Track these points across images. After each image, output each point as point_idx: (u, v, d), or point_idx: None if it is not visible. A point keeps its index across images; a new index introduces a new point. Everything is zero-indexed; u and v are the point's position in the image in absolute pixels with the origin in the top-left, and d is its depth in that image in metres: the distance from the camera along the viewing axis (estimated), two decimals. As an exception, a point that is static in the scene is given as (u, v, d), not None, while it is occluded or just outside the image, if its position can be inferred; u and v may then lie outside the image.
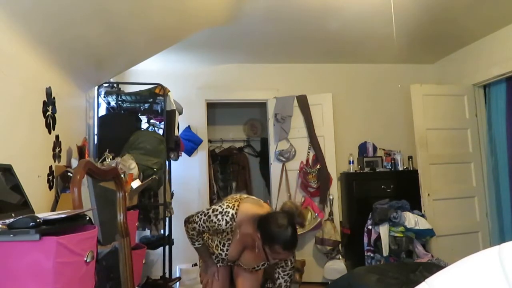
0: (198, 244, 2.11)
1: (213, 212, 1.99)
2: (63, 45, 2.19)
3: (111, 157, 2.61)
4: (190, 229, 2.05)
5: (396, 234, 3.71)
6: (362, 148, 4.66)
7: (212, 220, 1.97)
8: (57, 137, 2.28)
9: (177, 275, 4.08)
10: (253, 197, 2.20)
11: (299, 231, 4.23)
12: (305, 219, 1.99)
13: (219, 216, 1.95)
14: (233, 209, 1.96)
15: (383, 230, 3.71)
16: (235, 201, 2.03)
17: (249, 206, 2.01)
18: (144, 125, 3.58)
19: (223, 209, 1.97)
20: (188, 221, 2.08)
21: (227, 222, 1.94)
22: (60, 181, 2.27)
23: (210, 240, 2.13)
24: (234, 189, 5.88)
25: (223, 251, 2.06)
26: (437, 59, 4.78)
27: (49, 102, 2.14)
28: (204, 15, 3.00)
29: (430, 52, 4.54)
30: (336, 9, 3.23)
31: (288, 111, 4.50)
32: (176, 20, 2.79)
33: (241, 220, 1.97)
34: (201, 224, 2.00)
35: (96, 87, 3.26)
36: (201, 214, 2.02)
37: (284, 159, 4.46)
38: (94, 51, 2.52)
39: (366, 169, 4.44)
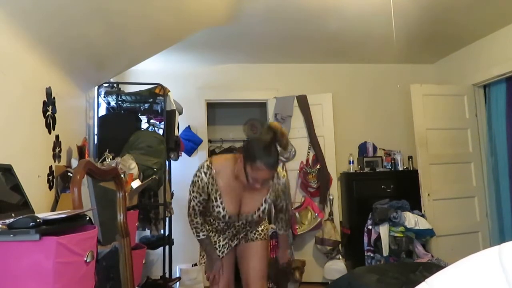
0: (203, 235, 2.10)
1: (193, 177, 2.05)
2: (63, 45, 2.19)
3: (111, 157, 2.62)
4: (191, 215, 2.08)
5: (396, 234, 3.71)
6: (362, 148, 4.66)
7: (195, 182, 2.01)
8: (57, 137, 2.28)
9: (177, 275, 4.08)
10: None
11: (300, 230, 4.25)
12: (287, 139, 2.00)
13: (197, 173, 2.01)
14: (206, 161, 2.05)
15: (383, 230, 3.71)
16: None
17: (220, 155, 2.18)
18: (144, 125, 3.58)
19: (198, 168, 2.04)
20: (188, 208, 2.11)
21: (205, 173, 1.98)
22: (60, 181, 2.27)
23: (210, 209, 2.08)
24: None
25: (220, 207, 2.02)
26: (437, 59, 4.78)
27: (49, 102, 2.14)
28: (204, 15, 3.00)
29: (430, 52, 4.53)
30: (336, 9, 3.23)
31: (288, 111, 4.50)
32: (176, 20, 2.79)
33: (218, 167, 2.01)
34: (194, 198, 2.03)
35: (96, 87, 3.26)
36: (189, 190, 2.07)
37: (284, 159, 4.46)
38: (94, 51, 2.53)
39: (366, 169, 4.44)
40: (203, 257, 2.27)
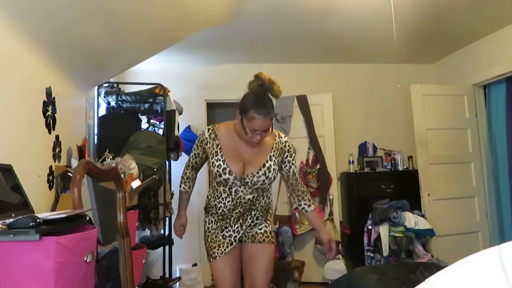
0: (183, 188, 2.20)
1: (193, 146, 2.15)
2: (63, 45, 2.19)
3: (111, 157, 2.61)
4: (185, 167, 2.20)
5: (396, 234, 3.71)
6: (362, 148, 4.66)
7: (198, 138, 2.10)
8: (57, 137, 2.28)
9: (177, 275, 4.08)
10: None
11: (300, 230, 4.23)
12: (277, 86, 2.10)
13: (203, 131, 2.10)
14: (209, 126, 2.13)
15: (383, 230, 3.71)
16: None
17: (224, 122, 2.15)
18: (144, 125, 3.58)
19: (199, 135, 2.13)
20: (186, 163, 2.22)
21: (208, 129, 2.07)
22: (60, 181, 2.26)
23: (210, 164, 2.06)
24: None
25: (221, 161, 1.98)
26: (437, 59, 4.78)
27: (49, 102, 2.14)
28: (204, 15, 3.00)
29: (430, 52, 4.54)
30: (336, 9, 3.23)
31: (288, 111, 4.50)
32: (176, 20, 2.79)
33: (221, 127, 2.09)
34: (193, 150, 2.13)
35: (96, 87, 3.26)
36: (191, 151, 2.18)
37: (284, 159, 4.46)
38: (94, 51, 2.53)
39: (366, 169, 4.44)
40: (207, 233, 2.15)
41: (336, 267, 4.10)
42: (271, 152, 2.04)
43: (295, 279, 3.61)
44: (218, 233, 2.08)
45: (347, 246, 4.34)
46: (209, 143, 2.05)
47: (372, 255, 3.80)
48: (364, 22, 3.52)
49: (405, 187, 4.20)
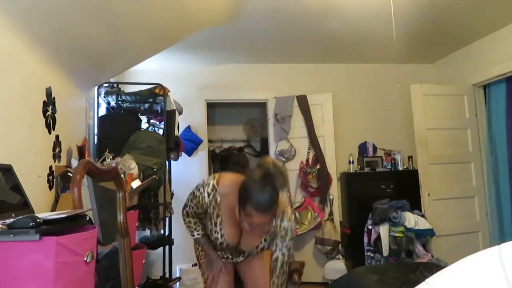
0: (198, 234, 1.96)
1: (196, 188, 1.89)
2: (63, 45, 2.19)
3: (111, 157, 2.61)
4: (185, 215, 1.97)
5: (396, 234, 3.71)
6: (362, 148, 4.66)
7: (196, 195, 1.87)
8: (57, 137, 2.28)
9: (177, 275, 4.08)
10: None
11: (300, 230, 4.23)
12: (286, 179, 1.71)
13: (201, 189, 1.85)
14: (213, 179, 1.86)
15: (383, 230, 3.71)
16: (214, 173, 1.94)
17: (230, 175, 1.90)
18: (144, 125, 3.58)
19: (204, 182, 1.88)
20: (183, 208, 2.00)
21: (209, 194, 1.83)
22: (60, 181, 2.27)
23: (207, 229, 1.98)
24: (234, 189, 5.87)
25: (219, 233, 1.89)
26: (437, 59, 4.78)
27: (49, 102, 2.14)
28: (204, 15, 3.00)
29: (430, 52, 4.54)
30: (336, 9, 3.23)
31: (288, 111, 4.50)
32: (176, 20, 2.79)
33: (224, 189, 1.84)
34: (191, 206, 1.91)
35: (96, 87, 3.26)
36: (189, 195, 1.94)
37: (284, 159, 4.46)
38: (94, 51, 2.52)
39: (366, 169, 4.44)
40: (201, 256, 2.13)
41: (336, 267, 4.10)
42: (266, 237, 1.94)
43: (295, 281, 3.61)
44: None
45: (347, 246, 4.34)
46: (210, 208, 1.87)
47: (372, 255, 3.80)
48: (364, 22, 3.52)
49: (405, 187, 4.20)
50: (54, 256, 1.02)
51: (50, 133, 2.18)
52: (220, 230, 1.88)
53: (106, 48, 2.60)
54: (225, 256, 2.03)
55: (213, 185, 1.84)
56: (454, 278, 0.78)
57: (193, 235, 1.98)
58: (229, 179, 1.87)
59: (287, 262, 1.95)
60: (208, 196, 1.84)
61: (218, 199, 1.84)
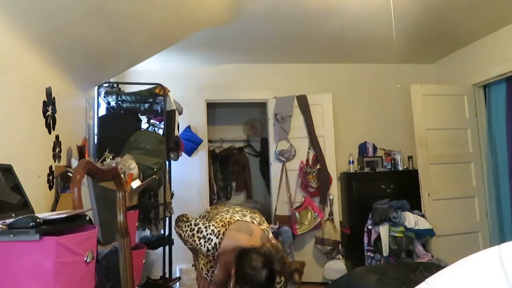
0: (190, 245, 1.98)
1: (197, 232, 1.87)
2: (63, 45, 2.19)
3: (111, 157, 2.61)
4: (178, 233, 1.97)
5: (396, 234, 3.71)
6: (362, 148, 4.66)
7: (195, 240, 1.86)
8: (57, 137, 2.28)
9: (177, 275, 4.08)
10: (247, 218, 2.00)
11: (300, 230, 4.21)
12: (286, 265, 1.73)
13: (202, 241, 1.84)
14: (217, 237, 1.84)
15: (383, 230, 3.72)
16: (222, 225, 1.88)
17: (235, 234, 1.84)
18: (144, 125, 3.58)
19: (207, 234, 1.85)
20: (177, 221, 1.98)
21: (208, 250, 1.84)
22: (60, 181, 2.26)
23: (195, 260, 2.02)
24: (234, 189, 5.89)
25: (208, 276, 1.92)
26: (437, 59, 4.78)
27: (49, 102, 2.14)
28: (204, 15, 3.00)
29: (430, 52, 4.54)
30: (336, 9, 3.23)
31: (288, 111, 4.50)
32: (176, 20, 2.79)
33: (224, 249, 1.82)
34: (185, 236, 1.91)
35: (96, 87, 3.26)
36: (187, 226, 1.91)
37: (284, 159, 4.46)
38: (94, 51, 2.52)
39: (366, 169, 4.44)
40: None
41: (336, 267, 4.10)
42: None
43: (295, 281, 3.61)
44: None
45: (347, 246, 4.34)
46: (205, 257, 1.91)
47: (372, 255, 3.80)
48: (364, 22, 3.52)
49: (405, 187, 4.20)
50: (54, 256, 1.02)
51: (50, 133, 2.18)
52: (211, 276, 1.92)
53: (106, 48, 2.60)
54: None
55: (215, 244, 1.82)
56: (454, 278, 0.78)
57: (186, 245, 2.03)
58: (232, 240, 1.82)
59: None
60: (207, 252, 1.84)
61: (216, 256, 1.85)
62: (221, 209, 2.11)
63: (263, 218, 2.11)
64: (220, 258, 1.86)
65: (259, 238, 1.85)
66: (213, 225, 1.88)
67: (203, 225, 1.89)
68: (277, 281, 1.73)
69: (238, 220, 1.95)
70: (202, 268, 1.96)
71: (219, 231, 1.85)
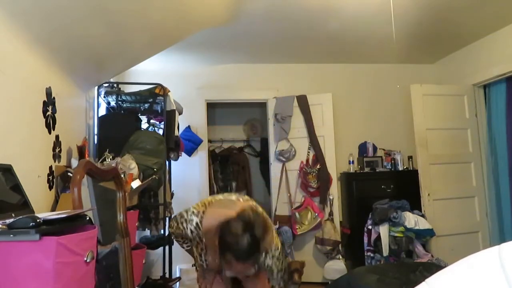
0: (187, 247, 1.97)
1: (180, 217, 1.84)
2: (63, 45, 2.19)
3: (111, 157, 2.61)
4: (172, 235, 1.94)
5: (396, 234, 3.71)
6: (362, 148, 4.66)
7: (179, 227, 1.83)
8: (57, 137, 2.28)
9: (177, 275, 4.08)
10: (232, 196, 1.96)
11: (300, 230, 4.21)
12: (268, 230, 1.66)
13: (184, 224, 1.80)
14: (197, 216, 1.80)
15: (383, 230, 3.72)
16: (202, 205, 1.85)
17: (216, 211, 1.79)
18: (144, 125, 3.58)
19: (188, 216, 1.81)
20: (169, 226, 1.96)
21: (192, 232, 1.79)
22: (60, 181, 2.26)
23: (193, 251, 1.98)
24: (234, 189, 5.88)
25: (203, 262, 1.90)
26: (437, 59, 4.78)
27: (49, 102, 2.14)
28: (204, 15, 3.00)
29: (430, 52, 4.54)
30: (336, 9, 3.23)
31: (288, 111, 4.50)
32: (176, 20, 2.79)
33: (207, 226, 1.77)
34: (175, 231, 1.88)
35: (96, 87, 3.26)
36: (173, 220, 1.89)
37: (284, 159, 4.46)
38: (94, 51, 2.52)
39: (366, 169, 4.44)
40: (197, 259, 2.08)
41: (336, 267, 4.10)
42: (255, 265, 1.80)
43: (295, 281, 3.61)
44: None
45: (347, 246, 4.34)
46: (194, 241, 1.86)
47: (372, 255, 3.80)
48: (364, 22, 3.52)
49: (405, 187, 4.19)
50: (54, 256, 1.02)
51: (50, 133, 2.18)
52: (205, 260, 1.88)
53: (106, 48, 2.60)
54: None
55: (196, 223, 1.79)
56: (454, 278, 0.78)
57: (183, 247, 2.01)
58: (213, 217, 1.76)
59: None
60: (191, 233, 1.80)
61: (202, 236, 1.80)
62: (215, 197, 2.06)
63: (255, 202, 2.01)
64: (206, 238, 1.80)
65: (242, 206, 1.78)
66: (193, 207, 1.86)
67: (184, 211, 1.88)
68: (263, 249, 1.68)
69: (221, 199, 1.93)
70: (196, 257, 1.93)
71: (198, 211, 1.82)
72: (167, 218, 3.44)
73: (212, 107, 5.52)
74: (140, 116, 3.51)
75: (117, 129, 3.08)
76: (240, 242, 1.54)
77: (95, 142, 3.18)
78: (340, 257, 4.22)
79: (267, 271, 1.83)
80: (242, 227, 1.56)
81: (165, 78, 3.98)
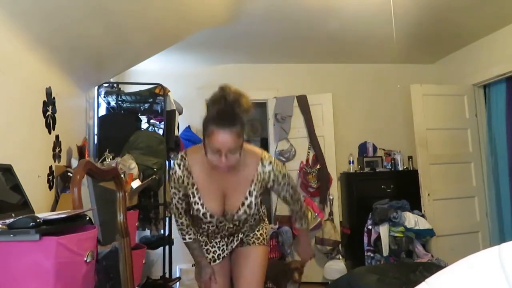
0: (189, 238, 1.86)
1: (171, 171, 1.83)
2: (63, 45, 2.19)
3: (111, 157, 2.62)
4: (176, 215, 1.84)
5: (396, 234, 3.71)
6: (362, 148, 4.66)
7: (171, 177, 1.78)
8: (57, 137, 2.28)
9: (177, 275, 4.08)
10: None
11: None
12: (245, 98, 1.74)
13: (173, 167, 1.77)
14: (181, 152, 1.81)
15: (383, 230, 3.71)
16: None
17: (199, 144, 1.78)
18: (144, 125, 3.58)
19: (174, 160, 1.82)
20: (172, 209, 1.89)
21: (179, 165, 1.73)
22: (60, 181, 2.27)
23: (192, 209, 1.83)
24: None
25: (199, 204, 1.75)
26: (437, 59, 4.78)
27: (49, 102, 2.14)
28: (204, 15, 3.00)
29: (430, 52, 4.54)
30: (336, 9, 3.23)
31: (288, 111, 4.50)
32: (176, 20, 2.79)
33: (193, 156, 1.75)
34: (174, 194, 1.80)
35: (96, 87, 3.26)
36: (170, 189, 1.86)
37: (284, 159, 4.46)
38: (94, 51, 2.53)
39: (366, 169, 4.44)
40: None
41: (336, 267, 4.10)
42: (251, 187, 1.76)
43: (295, 280, 3.61)
44: (204, 243, 1.94)
45: (347, 246, 4.34)
46: (185, 181, 1.75)
47: (372, 255, 3.80)
48: (364, 22, 3.52)
49: (405, 187, 4.19)
50: (54, 256, 1.02)
51: (50, 133, 2.18)
52: (199, 199, 1.75)
53: (106, 48, 2.60)
54: (219, 245, 1.93)
55: (181, 156, 1.76)
56: (454, 278, 0.78)
57: (184, 239, 1.88)
58: (197, 147, 1.77)
59: (299, 199, 1.93)
60: (180, 167, 1.74)
61: (189, 167, 1.74)
62: None
63: None
64: (194, 169, 1.74)
65: None
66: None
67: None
68: (243, 110, 1.70)
69: None
70: (195, 207, 1.79)
71: (183, 150, 1.85)
72: (167, 218, 3.45)
73: (212, 107, 5.51)
74: (140, 116, 3.51)
75: (117, 129, 3.08)
76: (219, 104, 1.65)
77: (95, 142, 3.18)
78: (340, 257, 4.22)
79: (277, 183, 1.79)
80: (222, 95, 1.69)
81: (165, 78, 3.97)
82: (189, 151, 1.79)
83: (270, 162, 1.76)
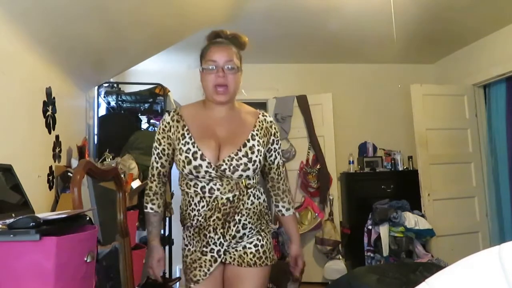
0: (151, 209, 1.62)
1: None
2: (63, 45, 2.19)
3: (111, 157, 2.62)
4: (149, 176, 1.65)
5: (396, 234, 3.71)
6: (362, 148, 4.66)
7: (159, 126, 1.61)
8: (57, 137, 2.28)
9: (177, 275, 4.08)
10: None
11: (300, 230, 4.21)
12: (237, 34, 1.64)
13: (161, 120, 1.62)
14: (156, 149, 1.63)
15: (383, 230, 3.71)
16: None
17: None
18: (144, 125, 3.58)
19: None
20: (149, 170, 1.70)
21: (169, 112, 1.61)
22: (60, 181, 2.27)
23: (178, 164, 1.55)
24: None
25: (192, 145, 1.50)
26: (437, 59, 4.78)
27: (49, 102, 2.14)
28: (204, 15, 3.00)
29: (430, 52, 4.54)
30: (336, 9, 3.23)
31: (288, 111, 4.50)
32: (176, 20, 2.79)
33: (186, 108, 1.64)
34: (154, 147, 1.60)
35: (96, 87, 3.27)
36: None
37: (284, 159, 4.46)
38: (94, 51, 2.53)
39: (366, 169, 4.44)
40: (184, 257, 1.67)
41: (336, 267, 4.10)
42: (253, 131, 1.59)
43: (296, 278, 3.61)
44: (197, 249, 1.58)
45: (347, 246, 4.34)
46: (173, 127, 1.55)
47: (372, 255, 3.80)
48: (364, 22, 3.52)
49: (405, 187, 4.20)
50: (54, 256, 1.02)
51: (50, 133, 2.18)
52: (195, 146, 1.50)
53: (106, 48, 2.60)
54: (215, 240, 1.55)
55: (173, 110, 1.63)
56: (454, 278, 0.78)
57: (146, 208, 1.64)
58: (188, 104, 1.67)
59: (285, 173, 1.82)
60: (169, 114, 1.59)
61: (182, 116, 1.58)
62: None
63: None
64: (189, 121, 1.58)
65: None
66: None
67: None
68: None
69: None
70: (184, 155, 1.51)
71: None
72: (167, 218, 3.44)
73: (212, 107, 5.51)
74: (140, 116, 3.51)
75: (117, 129, 3.08)
76: (215, 30, 1.60)
77: (95, 142, 3.18)
78: (340, 257, 4.22)
79: (276, 171, 1.73)
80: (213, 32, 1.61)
81: (165, 78, 3.97)
82: (182, 106, 1.68)
83: (271, 118, 1.73)
